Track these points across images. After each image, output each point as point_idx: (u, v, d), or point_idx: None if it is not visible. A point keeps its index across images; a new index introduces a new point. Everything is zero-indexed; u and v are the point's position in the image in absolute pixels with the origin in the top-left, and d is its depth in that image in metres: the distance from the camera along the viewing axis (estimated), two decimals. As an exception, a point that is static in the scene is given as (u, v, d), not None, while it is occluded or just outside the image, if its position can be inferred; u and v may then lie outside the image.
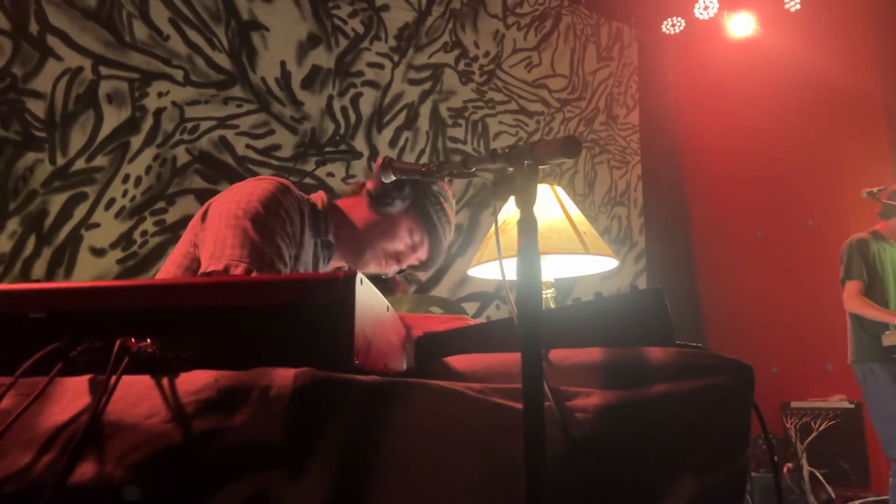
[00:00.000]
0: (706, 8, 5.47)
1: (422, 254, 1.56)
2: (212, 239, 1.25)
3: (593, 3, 5.49)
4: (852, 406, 4.65)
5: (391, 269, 1.55)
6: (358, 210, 1.54)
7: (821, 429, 4.47)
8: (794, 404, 4.77)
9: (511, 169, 0.78)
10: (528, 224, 0.74)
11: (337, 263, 1.58)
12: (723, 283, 5.63)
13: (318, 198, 1.54)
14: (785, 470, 4.37)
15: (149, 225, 3.21)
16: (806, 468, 4.31)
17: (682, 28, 5.75)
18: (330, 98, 3.90)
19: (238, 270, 1.17)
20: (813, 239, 5.17)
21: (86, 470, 0.65)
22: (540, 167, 0.74)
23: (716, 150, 5.80)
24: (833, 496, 4.31)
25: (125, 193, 3.17)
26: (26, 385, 0.72)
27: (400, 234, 1.52)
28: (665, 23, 5.76)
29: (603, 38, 5.64)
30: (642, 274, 5.55)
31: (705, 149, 5.88)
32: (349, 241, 1.53)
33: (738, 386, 0.85)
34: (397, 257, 1.54)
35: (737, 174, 5.64)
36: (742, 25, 5.53)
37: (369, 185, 1.52)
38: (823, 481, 4.33)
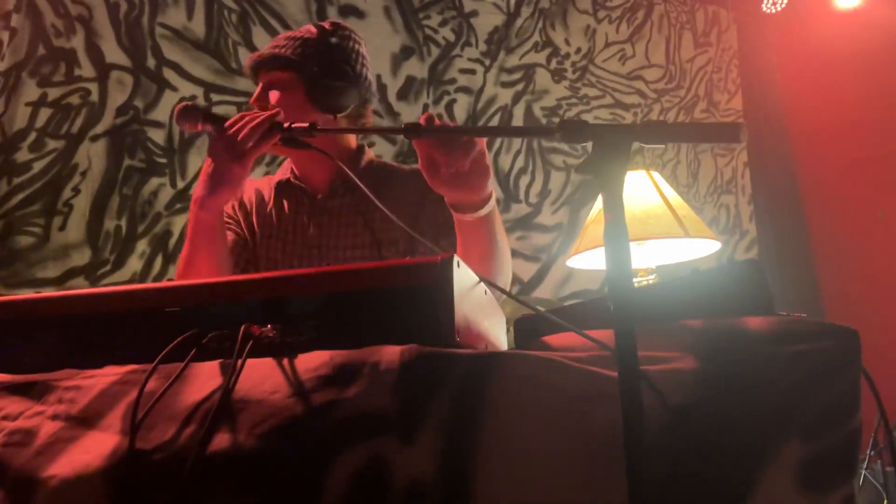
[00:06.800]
0: (809, -18, 5.23)
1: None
2: None
3: (687, -12, 5.37)
4: None
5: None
6: None
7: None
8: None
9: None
10: (614, 198, 0.76)
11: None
12: (844, 267, 5.33)
13: None
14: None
15: (262, 239, 3.39)
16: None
17: (783, 5, 5.51)
18: (425, 106, 4.00)
19: None
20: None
21: (222, 440, 0.73)
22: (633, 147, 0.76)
23: (827, 130, 5.52)
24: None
25: (240, 210, 3.37)
26: (166, 370, 0.81)
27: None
28: (765, 2, 5.54)
29: (699, 23, 5.49)
30: (754, 263, 5.34)
31: (815, 129, 5.60)
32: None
33: (844, 351, 0.84)
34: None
35: (851, 153, 5.34)
36: (849, -4, 5.25)
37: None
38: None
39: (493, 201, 1.31)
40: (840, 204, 5.43)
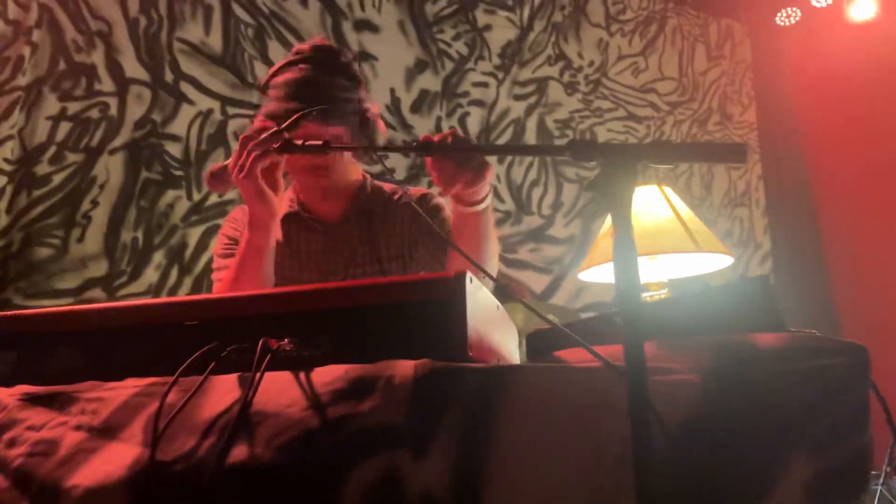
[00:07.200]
0: (823, -5, 5.23)
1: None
2: None
3: (700, 2, 5.37)
4: None
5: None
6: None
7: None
8: (948, 409, 4.41)
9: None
10: (622, 216, 0.77)
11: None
12: (859, 281, 5.30)
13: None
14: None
15: (277, 251, 3.42)
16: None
17: (797, 19, 5.51)
18: (438, 119, 4.03)
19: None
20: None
21: (240, 451, 0.75)
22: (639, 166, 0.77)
23: (841, 142, 5.50)
24: None
25: (255, 223, 3.40)
26: (186, 382, 0.83)
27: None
28: (779, 14, 5.53)
29: (712, 36, 5.50)
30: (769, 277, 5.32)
31: (831, 141, 5.58)
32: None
33: (853, 367, 0.84)
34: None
35: (866, 165, 5.32)
36: (863, 9, 5.23)
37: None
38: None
39: (486, 203, 1.42)
40: (855, 217, 5.40)
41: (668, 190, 1.87)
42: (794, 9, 5.48)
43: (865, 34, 5.24)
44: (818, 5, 5.31)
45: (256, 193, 1.43)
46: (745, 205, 5.36)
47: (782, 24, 5.57)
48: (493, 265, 1.55)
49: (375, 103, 1.69)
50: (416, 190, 1.80)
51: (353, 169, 1.75)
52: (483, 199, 1.41)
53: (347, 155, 1.67)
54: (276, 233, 1.53)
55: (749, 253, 5.26)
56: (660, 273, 1.83)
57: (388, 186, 1.82)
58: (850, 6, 5.27)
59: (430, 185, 3.82)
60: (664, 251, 1.72)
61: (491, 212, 1.49)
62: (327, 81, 1.58)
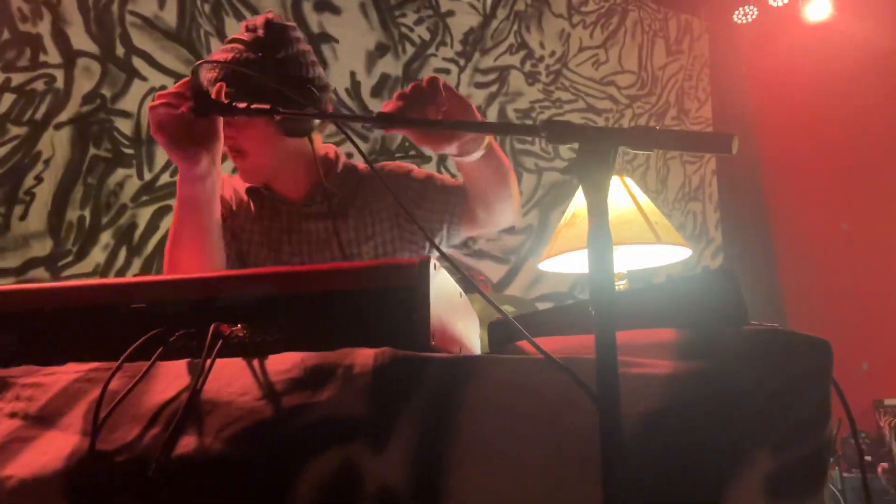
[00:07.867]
0: (779, -6, 5.31)
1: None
2: None
3: (661, -4, 5.42)
4: (951, 402, 4.43)
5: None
6: None
7: (917, 426, 4.27)
8: (887, 401, 4.57)
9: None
10: (598, 202, 0.75)
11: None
12: (807, 278, 5.44)
13: None
14: (880, 470, 4.18)
15: (230, 234, 3.34)
16: (902, 468, 4.11)
17: (754, 17, 5.59)
18: (399, 105, 3.97)
19: None
20: (902, 228, 4.96)
21: (188, 442, 0.70)
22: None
23: (795, 140, 5.62)
24: (934, 497, 4.10)
25: (208, 204, 3.30)
26: (131, 368, 0.79)
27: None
28: (737, 12, 5.62)
29: (672, 31, 5.55)
30: (720, 270, 5.41)
31: (783, 139, 5.70)
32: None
33: (816, 362, 0.84)
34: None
35: (818, 164, 5.44)
36: (818, 9, 5.34)
37: None
38: (922, 481, 4.12)
39: (483, 148, 1.37)
40: (804, 214, 5.53)
41: (630, 181, 1.87)
42: (752, 7, 5.57)
43: (820, 34, 5.34)
44: (775, 4, 5.40)
45: (168, 146, 1.37)
46: (699, 199, 5.44)
47: (739, 21, 5.65)
48: (516, 199, 1.56)
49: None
50: (396, 165, 1.68)
51: (294, 154, 1.59)
52: (478, 145, 1.35)
53: (291, 141, 1.54)
54: (218, 187, 1.42)
55: (701, 247, 5.35)
56: (619, 264, 1.83)
57: (362, 165, 1.70)
58: (805, 6, 5.37)
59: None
60: (624, 242, 1.72)
61: (494, 149, 1.42)
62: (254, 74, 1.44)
